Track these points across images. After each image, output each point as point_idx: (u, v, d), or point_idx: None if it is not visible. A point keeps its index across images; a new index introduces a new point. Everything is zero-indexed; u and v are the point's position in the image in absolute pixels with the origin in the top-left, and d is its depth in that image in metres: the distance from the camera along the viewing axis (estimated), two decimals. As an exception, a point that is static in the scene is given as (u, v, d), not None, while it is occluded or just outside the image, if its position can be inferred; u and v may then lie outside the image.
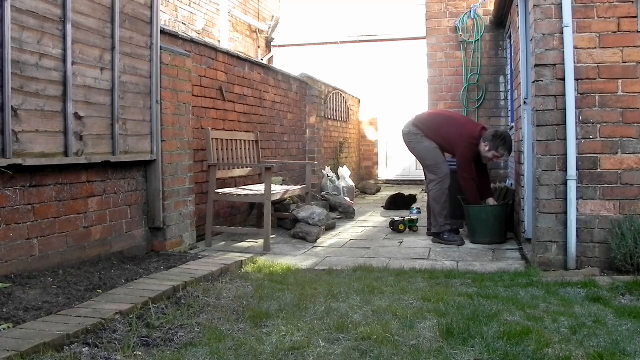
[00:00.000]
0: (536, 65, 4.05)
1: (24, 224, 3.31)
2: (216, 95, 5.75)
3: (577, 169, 3.97)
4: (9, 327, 2.49)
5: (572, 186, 3.94)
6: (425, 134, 5.36)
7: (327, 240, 5.55)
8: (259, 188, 5.54)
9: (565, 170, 3.97)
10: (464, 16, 6.93)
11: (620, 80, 3.95)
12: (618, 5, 3.94)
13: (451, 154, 5.44)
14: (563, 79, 3.97)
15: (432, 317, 2.89)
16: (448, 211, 5.30)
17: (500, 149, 5.13)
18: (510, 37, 6.29)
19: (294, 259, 4.61)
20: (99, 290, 3.18)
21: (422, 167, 5.95)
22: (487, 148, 5.16)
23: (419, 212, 7.34)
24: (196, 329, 2.71)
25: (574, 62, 3.96)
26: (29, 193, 3.34)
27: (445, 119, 5.53)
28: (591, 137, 3.99)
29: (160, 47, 4.44)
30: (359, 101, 12.18)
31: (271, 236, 5.11)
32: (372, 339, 2.55)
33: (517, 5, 4.99)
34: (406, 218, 6.08)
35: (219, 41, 10.14)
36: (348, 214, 7.16)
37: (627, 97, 3.95)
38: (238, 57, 6.39)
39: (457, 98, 6.98)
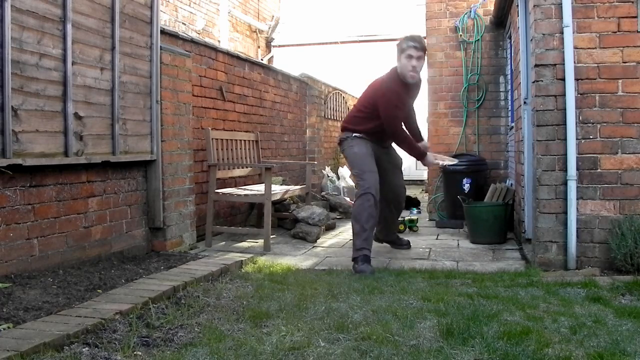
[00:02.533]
0: (536, 65, 4.06)
1: (24, 224, 3.31)
2: (216, 95, 5.75)
3: (577, 169, 3.97)
4: (9, 327, 2.49)
5: (572, 186, 3.94)
6: (354, 128, 4.68)
7: (327, 240, 5.55)
8: (259, 188, 5.54)
9: (565, 170, 3.97)
10: (464, 16, 6.91)
11: (620, 80, 3.96)
12: (618, 5, 3.94)
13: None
14: (563, 79, 3.97)
15: (432, 317, 2.89)
16: (369, 234, 4.27)
17: (402, 44, 4.49)
18: (510, 37, 6.28)
19: (294, 259, 4.61)
20: (99, 290, 3.18)
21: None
22: (398, 59, 4.56)
23: (419, 212, 7.35)
24: (196, 329, 2.70)
25: (574, 62, 3.96)
26: (29, 193, 3.34)
27: (360, 98, 5.02)
28: (591, 137, 3.99)
29: (160, 47, 4.44)
30: (359, 101, 12.16)
31: (271, 236, 5.11)
32: (372, 339, 2.54)
33: (517, 5, 4.99)
34: (406, 218, 6.08)
35: (219, 41, 10.14)
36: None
37: (627, 97, 3.95)
38: (238, 57, 6.39)
39: (457, 98, 6.97)
